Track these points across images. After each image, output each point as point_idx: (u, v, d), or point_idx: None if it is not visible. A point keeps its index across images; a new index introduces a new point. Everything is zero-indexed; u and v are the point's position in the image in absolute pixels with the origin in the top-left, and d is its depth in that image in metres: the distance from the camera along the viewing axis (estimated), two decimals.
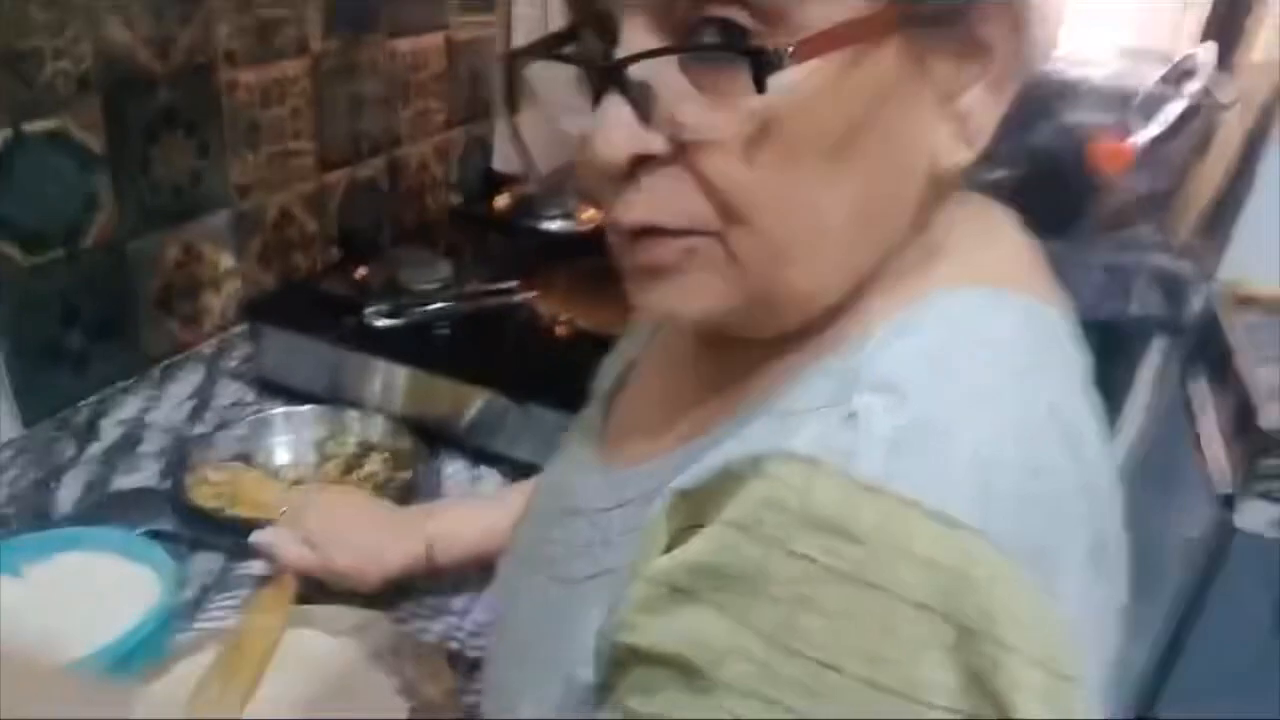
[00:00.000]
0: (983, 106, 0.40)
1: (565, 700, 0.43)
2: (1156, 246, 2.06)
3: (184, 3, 1.10)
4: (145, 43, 1.06)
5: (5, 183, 0.95)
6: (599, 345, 1.08)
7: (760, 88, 0.35)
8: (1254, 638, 1.39)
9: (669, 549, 0.38)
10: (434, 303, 1.09)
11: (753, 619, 0.33)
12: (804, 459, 0.34)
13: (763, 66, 0.34)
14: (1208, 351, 1.74)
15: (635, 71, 0.37)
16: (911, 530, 0.32)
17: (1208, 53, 2.36)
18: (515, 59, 0.44)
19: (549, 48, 0.42)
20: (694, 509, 0.38)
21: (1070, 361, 0.42)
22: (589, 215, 1.58)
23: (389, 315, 1.05)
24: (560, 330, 1.11)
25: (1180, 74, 2.47)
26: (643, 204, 0.39)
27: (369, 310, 1.06)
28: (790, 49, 0.34)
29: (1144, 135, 2.42)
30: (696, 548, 0.36)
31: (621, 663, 0.39)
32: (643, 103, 0.37)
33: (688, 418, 0.47)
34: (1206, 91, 2.29)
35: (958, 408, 0.35)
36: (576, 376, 1.08)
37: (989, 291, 0.41)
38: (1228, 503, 1.40)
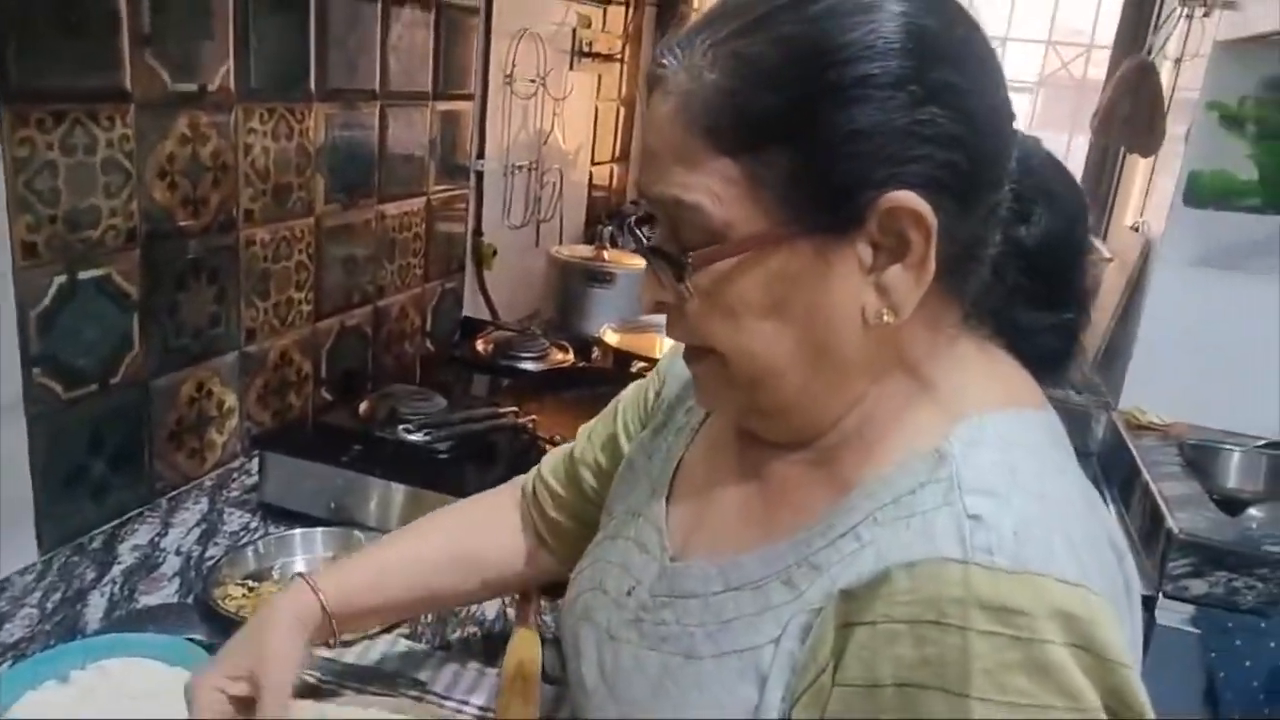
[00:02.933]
0: (903, 283, 0.52)
1: None
2: (1062, 384, 2.31)
3: (217, 169, 1.24)
4: (182, 203, 1.20)
5: (56, 323, 1.06)
6: None
7: (680, 280, 0.55)
8: (1187, 710, 1.51)
9: (834, 643, 0.50)
10: (446, 426, 1.21)
11: (973, 689, 0.44)
12: (958, 560, 0.46)
13: (678, 268, 0.55)
14: (1115, 472, 1.93)
15: (653, 255, 0.57)
16: (1053, 595, 0.45)
17: None
18: (628, 229, 0.61)
19: (636, 223, 0.61)
20: (853, 607, 0.50)
21: (1068, 448, 0.59)
22: (559, 357, 1.73)
23: (420, 430, 1.18)
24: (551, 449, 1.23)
25: None
26: (674, 328, 0.60)
27: (402, 427, 1.17)
28: (689, 259, 0.54)
29: None
30: (894, 649, 0.47)
31: None
32: (658, 274, 0.58)
33: (773, 515, 0.60)
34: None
35: (1040, 504, 0.49)
36: None
37: (1015, 412, 0.56)
38: (1148, 604, 1.55)
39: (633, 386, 0.87)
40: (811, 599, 0.52)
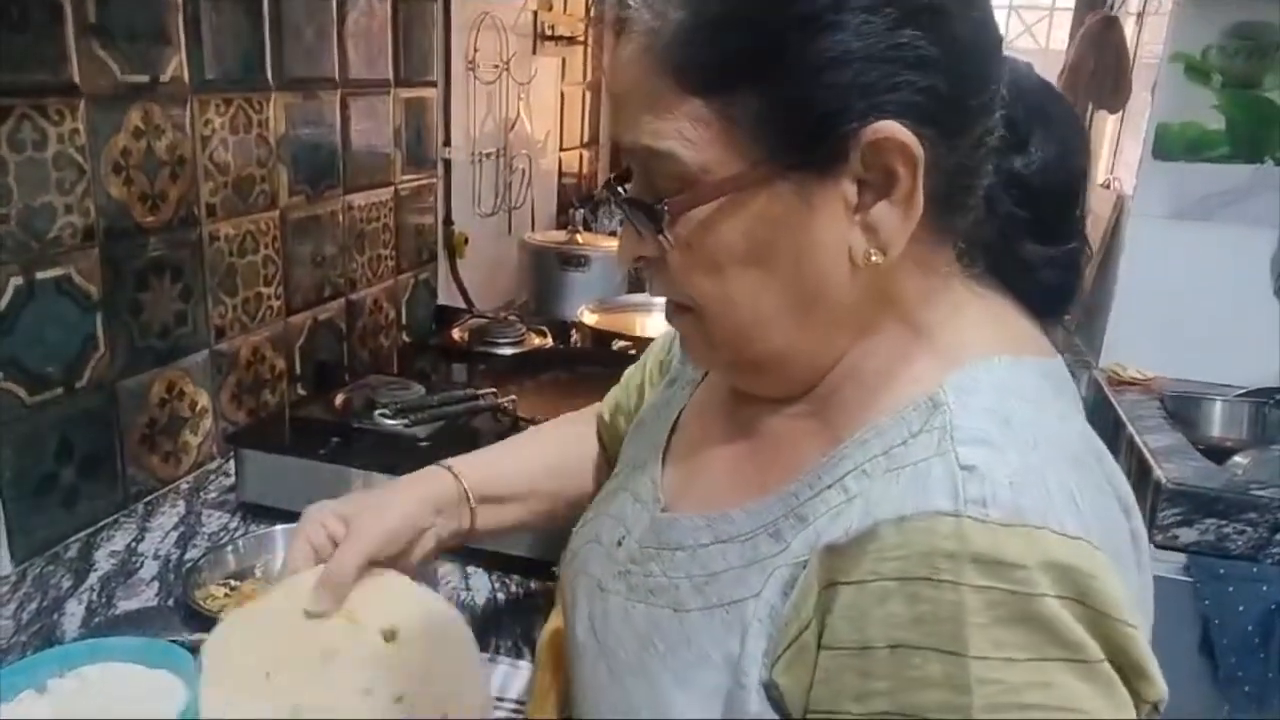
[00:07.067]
0: (890, 219, 0.50)
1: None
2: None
3: (175, 162, 1.21)
4: (140, 198, 1.17)
5: (16, 326, 1.02)
6: None
7: (658, 230, 0.52)
8: (1182, 662, 1.51)
9: (818, 602, 0.47)
10: (426, 409, 1.18)
11: (970, 648, 0.42)
12: (950, 513, 0.44)
13: (655, 217, 0.52)
14: (1101, 428, 1.93)
15: (629, 206, 0.55)
16: (1048, 547, 0.43)
17: None
18: (606, 185, 0.58)
19: (616, 180, 0.58)
20: (838, 564, 0.47)
21: (1076, 398, 0.57)
22: (537, 341, 1.71)
23: (397, 415, 1.15)
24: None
25: None
26: (655, 283, 0.58)
27: (378, 413, 1.14)
28: (665, 207, 0.51)
29: None
30: (885, 607, 0.44)
31: None
32: (635, 226, 0.55)
33: (765, 468, 0.58)
34: None
35: (1036, 452, 0.47)
36: None
37: (1013, 358, 0.53)
38: None
39: (662, 335, 0.86)
40: (796, 551, 0.50)
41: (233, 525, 1.20)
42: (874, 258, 0.51)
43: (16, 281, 1.02)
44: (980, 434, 0.47)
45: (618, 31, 0.53)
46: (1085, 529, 0.44)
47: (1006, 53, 0.54)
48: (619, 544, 0.63)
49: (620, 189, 0.56)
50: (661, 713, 0.54)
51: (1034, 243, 0.58)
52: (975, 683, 0.42)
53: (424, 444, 1.20)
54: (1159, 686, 0.44)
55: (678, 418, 0.69)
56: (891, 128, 0.48)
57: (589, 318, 1.77)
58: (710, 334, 0.56)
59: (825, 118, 0.49)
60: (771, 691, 0.49)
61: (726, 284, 0.53)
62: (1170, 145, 1.99)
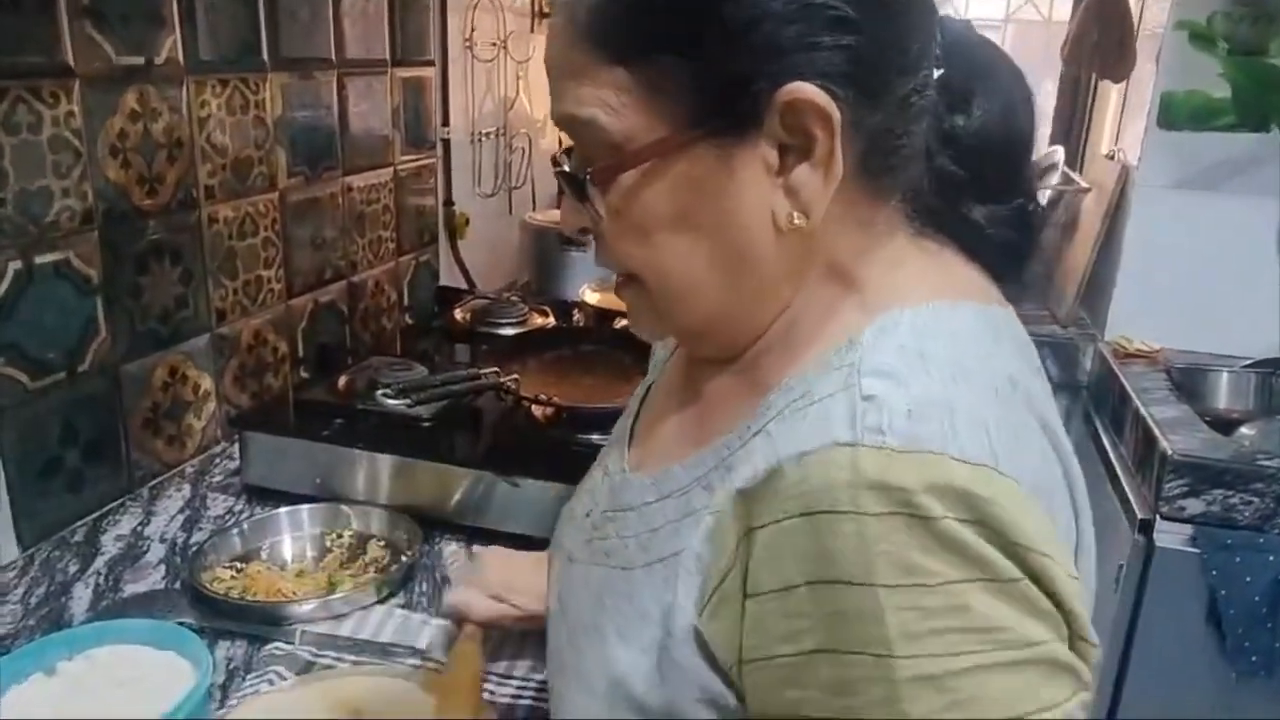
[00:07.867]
0: (812, 182, 0.50)
1: (652, 673, 0.52)
2: (1046, 319, 2.30)
3: (172, 145, 1.20)
4: (138, 181, 1.16)
5: (16, 311, 1.02)
6: (574, 418, 1.19)
7: (581, 198, 0.54)
8: (1189, 633, 1.51)
9: (738, 549, 0.48)
10: (429, 388, 1.18)
11: (878, 576, 0.41)
12: (845, 443, 0.43)
13: (579, 186, 0.53)
14: (1107, 401, 1.92)
15: (561, 178, 0.56)
16: (946, 472, 0.42)
17: (1059, 153, 2.66)
18: (553, 158, 0.59)
19: (565, 153, 0.59)
20: (751, 509, 0.47)
21: (1021, 346, 0.56)
22: (539, 321, 1.70)
23: (399, 395, 1.15)
24: (538, 410, 1.21)
25: (1042, 171, 2.79)
26: (598, 253, 0.58)
27: (381, 392, 1.14)
28: (588, 175, 0.52)
29: None
30: (796, 545, 0.44)
31: (790, 674, 0.45)
32: (571, 196, 0.56)
33: (704, 425, 0.59)
34: (1065, 182, 2.59)
35: (944, 383, 0.46)
36: (557, 448, 1.18)
37: (945, 302, 0.52)
38: (1146, 527, 1.55)
39: None
40: (720, 500, 0.51)
41: (238, 508, 1.20)
42: (797, 220, 0.51)
43: (15, 266, 1.02)
44: (886, 367, 0.47)
45: (553, 8, 0.54)
46: (993, 457, 0.43)
47: (943, 11, 0.54)
48: (588, 515, 0.65)
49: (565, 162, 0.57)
50: (606, 668, 0.54)
51: (979, 200, 0.57)
52: (889, 610, 0.41)
53: (427, 424, 1.19)
54: (1082, 624, 0.43)
55: (648, 391, 0.71)
56: (804, 89, 0.48)
57: (591, 297, 1.76)
58: (652, 303, 0.56)
59: (739, 81, 0.49)
60: (699, 638, 0.50)
61: (656, 250, 0.54)
62: (1175, 114, 1.97)
